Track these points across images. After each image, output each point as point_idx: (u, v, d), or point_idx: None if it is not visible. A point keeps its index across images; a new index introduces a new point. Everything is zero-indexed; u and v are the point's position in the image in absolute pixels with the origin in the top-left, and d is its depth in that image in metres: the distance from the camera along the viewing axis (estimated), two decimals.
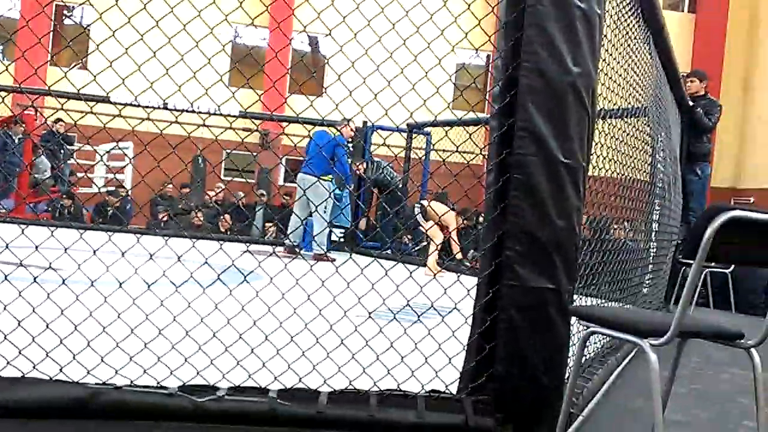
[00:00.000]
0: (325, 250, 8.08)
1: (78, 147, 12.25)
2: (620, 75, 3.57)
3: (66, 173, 11.62)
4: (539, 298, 2.25)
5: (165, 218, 10.76)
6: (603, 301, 4.07)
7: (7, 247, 2.08)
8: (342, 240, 9.83)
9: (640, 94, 4.38)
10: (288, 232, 8.18)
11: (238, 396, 2.16)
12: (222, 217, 10.74)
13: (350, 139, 8.78)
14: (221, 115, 9.23)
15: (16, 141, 9.98)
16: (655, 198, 5.93)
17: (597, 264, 3.96)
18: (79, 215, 11.02)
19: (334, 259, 7.50)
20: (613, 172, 3.86)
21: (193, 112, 9.20)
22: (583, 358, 3.12)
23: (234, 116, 9.22)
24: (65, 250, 2.17)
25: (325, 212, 7.89)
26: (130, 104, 8.19)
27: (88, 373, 2.12)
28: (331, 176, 8.00)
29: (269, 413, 2.15)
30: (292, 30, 16.02)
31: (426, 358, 2.38)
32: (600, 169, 3.32)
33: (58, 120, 11.21)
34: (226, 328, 2.26)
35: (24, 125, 10.17)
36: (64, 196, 10.98)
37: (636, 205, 5.05)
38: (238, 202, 11.47)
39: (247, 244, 7.57)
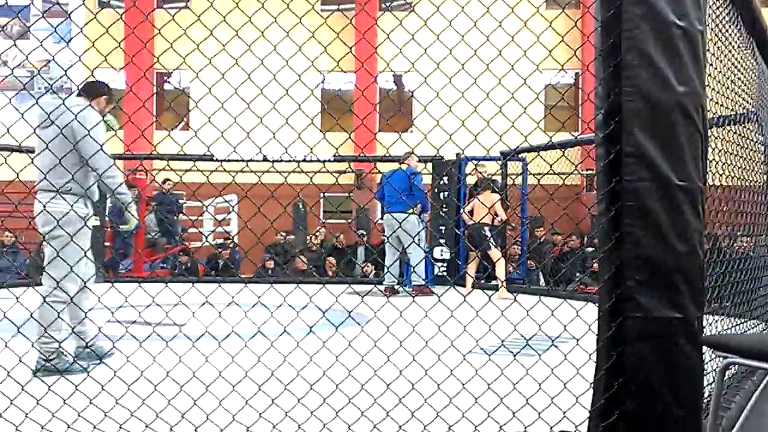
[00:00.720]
0: (425, 283, 8.12)
1: (184, 202, 12.87)
2: (724, 84, 3.42)
3: (178, 230, 12.18)
4: (666, 329, 2.15)
5: (272, 265, 11.05)
6: (734, 320, 3.86)
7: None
8: (444, 272, 9.77)
9: (746, 100, 4.17)
10: (385, 272, 8.25)
11: None
12: (327, 260, 10.92)
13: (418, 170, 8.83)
14: (317, 161, 9.49)
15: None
16: None
17: (724, 280, 3.78)
18: (194, 269, 11.49)
19: (433, 293, 7.52)
20: (727, 180, 3.68)
21: (289, 161, 9.45)
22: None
23: (328, 161, 9.45)
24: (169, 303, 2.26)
25: (418, 245, 8.01)
26: (228, 160, 8.54)
27: (170, 429, 2.17)
28: (413, 209, 8.07)
29: None
30: (377, 70, 16.31)
31: (552, 399, 2.31)
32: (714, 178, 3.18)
33: (166, 180, 11.80)
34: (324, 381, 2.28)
35: (137, 188, 10.77)
36: (181, 252, 11.50)
37: (758, 211, 4.79)
38: (335, 242, 11.66)
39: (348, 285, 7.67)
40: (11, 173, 2.36)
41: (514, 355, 2.49)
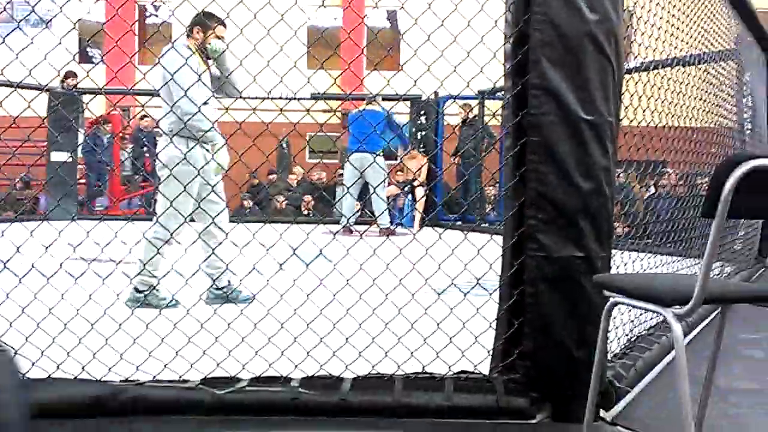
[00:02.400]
0: (391, 225, 8.13)
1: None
2: (682, 21, 3.29)
3: (156, 168, 12.07)
4: (567, 268, 2.09)
5: (249, 205, 10.98)
6: (692, 260, 3.82)
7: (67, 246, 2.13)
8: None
9: (712, 40, 4.04)
10: (346, 212, 8.17)
11: (259, 386, 2.13)
12: (303, 199, 10.85)
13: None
14: (295, 99, 9.31)
15: (105, 141, 10.42)
16: (744, 145, 5.51)
17: (685, 221, 3.72)
18: None
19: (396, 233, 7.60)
20: (688, 121, 3.59)
21: (264, 99, 9.27)
22: (643, 327, 2.94)
23: (306, 98, 9.27)
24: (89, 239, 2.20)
25: (384, 189, 7.99)
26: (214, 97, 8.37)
27: (109, 370, 2.13)
28: (382, 151, 7.99)
29: (291, 402, 2.10)
30: (365, 6, 15.89)
31: (450, 338, 2.27)
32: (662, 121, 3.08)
33: (144, 117, 11.62)
34: (242, 319, 2.23)
35: (111, 125, 10.60)
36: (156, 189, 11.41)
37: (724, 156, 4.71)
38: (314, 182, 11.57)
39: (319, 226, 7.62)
40: None
41: (439, 294, 2.42)
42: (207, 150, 3.65)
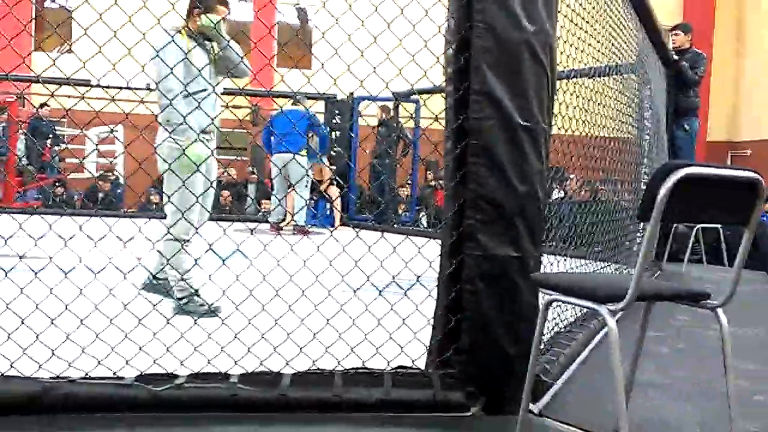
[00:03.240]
0: (306, 224, 8.14)
1: (65, 133, 12.17)
2: (590, 34, 3.46)
3: (56, 160, 11.52)
4: (503, 267, 2.19)
5: (157, 200, 10.68)
6: (597, 263, 4.02)
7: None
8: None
9: (617, 53, 4.27)
10: (271, 210, 8.16)
11: (197, 383, 2.11)
12: (222, 194, 10.67)
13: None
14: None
15: (0, 129, 9.88)
16: (643, 156, 5.85)
17: (590, 225, 3.91)
18: (71, 202, 10.96)
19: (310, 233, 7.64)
20: (589, 132, 3.77)
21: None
22: (562, 324, 3.09)
23: (222, 93, 9.11)
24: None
25: (306, 187, 7.99)
26: (114, 87, 8.07)
27: (39, 367, 2.05)
28: (306, 151, 7.99)
29: (230, 399, 2.09)
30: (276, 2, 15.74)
31: (390, 334, 2.32)
32: (569, 129, 3.23)
33: (43, 105, 11.07)
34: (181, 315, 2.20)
35: (7, 113, 10.05)
36: (56, 183, 10.91)
37: (624, 165, 4.98)
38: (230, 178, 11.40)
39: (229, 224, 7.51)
40: None
41: (354, 291, 2.44)
42: (205, 144, 3.34)
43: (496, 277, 2.19)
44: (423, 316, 2.33)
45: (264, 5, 13.28)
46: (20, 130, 10.46)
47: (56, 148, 11.32)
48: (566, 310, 3.14)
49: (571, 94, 3.25)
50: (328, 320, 2.28)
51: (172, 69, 3.01)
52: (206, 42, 3.51)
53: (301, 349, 2.26)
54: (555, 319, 2.98)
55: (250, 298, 2.26)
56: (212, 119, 3.28)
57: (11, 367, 2.03)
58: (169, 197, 3.24)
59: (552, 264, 3.22)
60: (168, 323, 2.19)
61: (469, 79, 2.19)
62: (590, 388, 2.59)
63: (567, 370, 2.71)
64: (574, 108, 3.30)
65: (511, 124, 2.17)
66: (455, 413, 2.18)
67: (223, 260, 2.37)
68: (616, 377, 1.68)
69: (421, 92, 8.59)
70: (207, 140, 3.38)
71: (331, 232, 2.66)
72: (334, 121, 9.85)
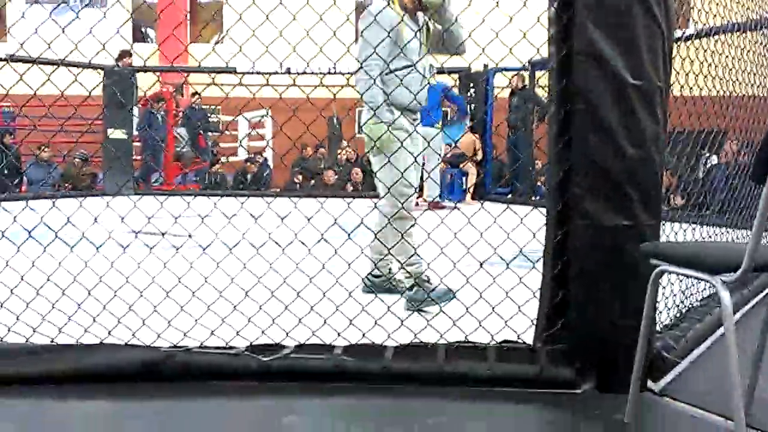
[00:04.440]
0: (441, 198, 8.13)
1: (219, 119, 12.91)
2: None
3: (209, 144, 12.25)
4: (614, 237, 2.05)
5: (300, 180, 11.08)
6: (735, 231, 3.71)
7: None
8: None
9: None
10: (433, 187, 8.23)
11: (303, 354, 2.16)
12: (353, 172, 10.89)
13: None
14: (341, 74, 9.27)
15: (160, 118, 10.63)
16: None
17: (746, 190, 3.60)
18: (224, 183, 11.63)
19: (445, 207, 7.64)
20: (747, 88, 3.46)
21: (311, 74, 9.27)
22: (695, 298, 2.86)
23: (353, 73, 9.27)
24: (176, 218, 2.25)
25: (438, 162, 7.98)
26: (249, 72, 8.44)
27: (158, 336, 2.19)
28: (441, 123, 7.98)
29: (334, 369, 2.13)
30: None
31: (493, 308, 2.25)
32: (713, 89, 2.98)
33: (195, 93, 11.80)
34: (285, 287, 2.26)
35: (165, 102, 10.78)
36: (211, 165, 11.62)
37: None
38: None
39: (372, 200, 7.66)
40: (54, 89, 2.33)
41: (481, 264, 2.40)
42: (410, 121, 3.18)
43: (606, 247, 2.06)
44: (528, 288, 2.25)
45: None
46: (178, 118, 11.20)
47: (209, 133, 12.03)
48: (699, 282, 2.91)
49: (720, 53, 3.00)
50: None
51: (375, 49, 2.82)
52: (419, 14, 3.23)
53: (402, 321, 2.25)
54: (685, 292, 2.77)
55: (349, 271, 2.27)
56: (414, 96, 3.00)
57: (133, 336, 2.18)
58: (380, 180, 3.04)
59: (695, 233, 3.00)
60: (272, 295, 2.26)
61: (572, 38, 2.05)
62: (721, 369, 2.38)
63: (698, 348, 2.51)
64: (727, 67, 3.03)
65: (620, 84, 2.02)
66: (564, 390, 2.09)
67: (349, 234, 2.40)
68: (729, 353, 1.54)
69: None
70: (413, 119, 3.22)
71: (455, 206, 2.61)
72: (468, 94, 9.69)
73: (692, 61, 2.95)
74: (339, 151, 12.08)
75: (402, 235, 2.82)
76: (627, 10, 2.01)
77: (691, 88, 2.90)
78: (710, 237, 3.14)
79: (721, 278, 1.56)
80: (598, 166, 2.04)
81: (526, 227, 2.26)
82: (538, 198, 9.33)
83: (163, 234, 2.58)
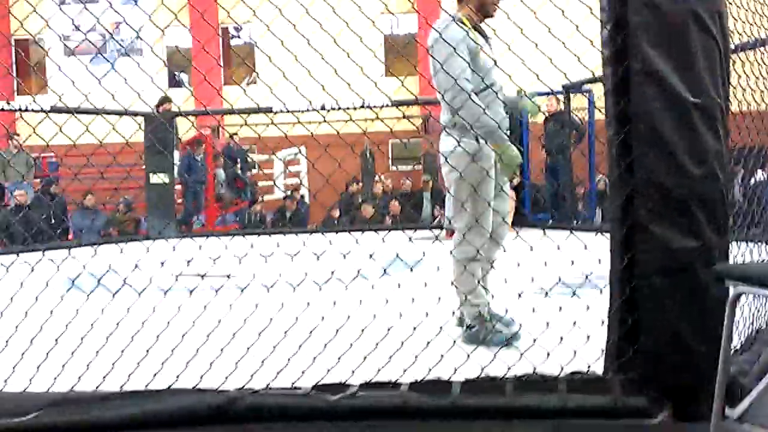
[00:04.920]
0: None
1: (255, 159, 13.08)
2: None
3: (248, 183, 12.41)
4: (682, 259, 2.00)
5: (338, 215, 11.12)
6: None
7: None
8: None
9: None
10: (447, 216, 8.17)
11: (369, 391, 2.13)
12: (391, 203, 10.91)
13: None
14: (373, 107, 9.36)
15: (199, 161, 10.81)
16: None
17: None
18: (264, 222, 11.74)
19: None
20: None
21: (340, 109, 9.35)
22: (765, 319, 2.77)
23: (385, 106, 9.33)
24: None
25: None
26: (282, 111, 8.54)
27: (225, 380, 2.19)
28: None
29: (402, 406, 2.10)
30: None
31: (561, 338, 2.21)
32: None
33: (233, 134, 12.00)
34: (348, 325, 2.24)
35: (204, 145, 10.97)
36: (250, 205, 11.74)
37: None
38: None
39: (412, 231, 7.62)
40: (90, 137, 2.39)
41: (547, 293, 2.37)
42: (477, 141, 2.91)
43: (675, 270, 2.01)
44: (596, 316, 2.20)
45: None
46: (217, 161, 11.36)
47: (248, 173, 12.18)
48: (767, 304, 2.82)
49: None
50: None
51: (468, 62, 2.68)
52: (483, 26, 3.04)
53: (469, 355, 2.21)
54: (754, 313, 2.69)
55: (413, 306, 2.25)
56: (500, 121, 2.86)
57: (200, 379, 2.18)
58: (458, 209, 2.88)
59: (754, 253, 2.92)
60: (337, 333, 2.24)
61: (628, 58, 2.03)
62: None
63: None
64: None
65: (679, 102, 1.99)
66: (639, 419, 2.02)
67: (385, 270, 2.39)
68: None
69: (592, 81, 8.26)
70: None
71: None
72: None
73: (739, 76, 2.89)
74: (374, 183, 12.12)
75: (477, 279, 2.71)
76: (683, 28, 1.99)
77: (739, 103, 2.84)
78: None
79: None
80: (662, 187, 2.00)
81: (589, 255, 2.22)
82: (577, 222, 9.22)
83: (202, 276, 2.59)
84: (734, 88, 2.35)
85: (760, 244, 3.10)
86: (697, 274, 2.00)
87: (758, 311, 2.71)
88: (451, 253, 2.81)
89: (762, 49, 3.00)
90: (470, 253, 2.74)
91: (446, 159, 2.88)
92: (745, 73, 2.81)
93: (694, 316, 2.01)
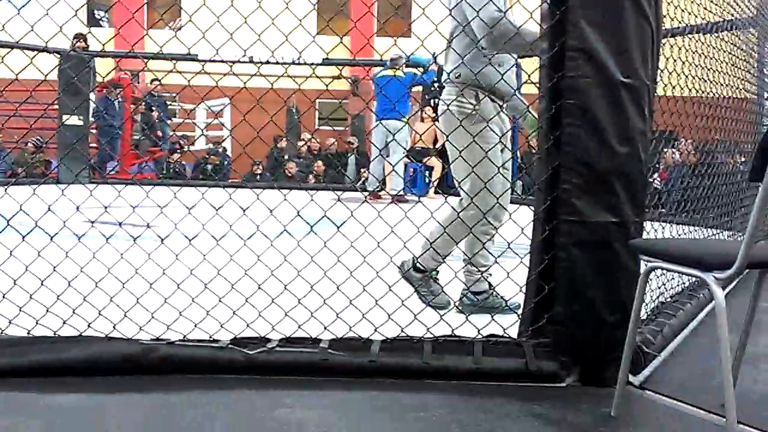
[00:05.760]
0: (403, 192, 8.14)
1: (177, 107, 12.67)
2: None
3: (167, 133, 12.02)
4: (600, 233, 2.08)
5: (259, 171, 10.97)
6: (710, 230, 3.79)
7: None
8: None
9: (733, 5, 3.95)
10: (371, 178, 8.23)
11: (289, 347, 2.13)
12: (315, 164, 10.84)
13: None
14: (306, 64, 9.20)
15: (116, 105, 10.39)
16: (763, 115, 5.45)
17: (704, 190, 3.68)
18: (182, 173, 11.43)
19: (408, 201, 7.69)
20: (710, 92, 3.52)
21: (276, 64, 9.15)
22: (669, 293, 2.93)
23: (318, 64, 9.20)
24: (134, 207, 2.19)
25: (403, 155, 8.03)
26: (212, 60, 8.30)
27: (140, 329, 2.13)
28: (406, 118, 7.99)
29: (321, 363, 2.11)
30: None
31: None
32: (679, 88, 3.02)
33: (154, 80, 11.57)
34: (272, 280, 2.22)
35: (123, 89, 10.55)
36: (170, 154, 11.39)
37: (743, 126, 4.65)
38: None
39: (338, 193, 7.62)
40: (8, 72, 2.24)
41: (443, 258, 2.41)
42: (500, 106, 2.81)
43: (593, 244, 2.08)
44: (515, 284, 2.26)
45: None
46: (135, 106, 10.94)
47: (168, 122, 11.79)
48: (672, 279, 2.97)
49: (683, 50, 3.04)
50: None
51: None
52: None
53: (389, 315, 2.24)
54: (660, 288, 2.83)
55: (337, 265, 2.25)
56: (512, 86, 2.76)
57: (114, 328, 2.12)
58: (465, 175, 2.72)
59: (658, 231, 3.05)
60: (259, 288, 2.22)
61: (565, 35, 2.07)
62: (696, 362, 2.44)
63: (672, 342, 2.57)
64: (685, 65, 3.09)
65: (610, 81, 2.04)
66: (549, 383, 2.11)
67: (311, 227, 2.37)
68: (722, 349, 1.56)
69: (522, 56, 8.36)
70: (499, 107, 2.83)
71: (419, 200, 2.56)
72: (432, 86, 9.72)
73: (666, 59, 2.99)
74: (301, 142, 11.99)
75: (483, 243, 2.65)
76: (619, 8, 2.03)
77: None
78: (673, 236, 3.20)
79: (715, 275, 1.59)
80: (587, 163, 2.06)
81: (513, 222, 2.27)
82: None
83: (120, 224, 2.51)
84: (661, 71, 2.43)
85: (669, 224, 3.25)
86: (614, 248, 2.08)
87: (664, 286, 2.86)
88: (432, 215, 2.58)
89: (691, 35, 3.11)
90: (476, 217, 2.59)
91: (442, 114, 2.78)
92: (672, 57, 2.90)
93: (607, 287, 2.09)
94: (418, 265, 2.81)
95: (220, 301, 2.21)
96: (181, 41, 2.53)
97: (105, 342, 2.08)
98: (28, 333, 2.09)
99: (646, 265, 1.79)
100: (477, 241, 2.68)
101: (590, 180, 2.06)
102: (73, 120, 9.01)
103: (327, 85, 2.43)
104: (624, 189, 2.08)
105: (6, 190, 2.21)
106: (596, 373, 2.13)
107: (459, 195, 2.77)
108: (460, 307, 2.74)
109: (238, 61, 8.21)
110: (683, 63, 3.04)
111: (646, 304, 2.60)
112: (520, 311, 2.25)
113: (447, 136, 2.80)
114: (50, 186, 2.35)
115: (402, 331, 2.21)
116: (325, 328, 2.19)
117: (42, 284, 2.10)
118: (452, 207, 2.75)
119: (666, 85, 2.86)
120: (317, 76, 2.86)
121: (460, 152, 2.65)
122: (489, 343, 2.17)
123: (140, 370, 2.05)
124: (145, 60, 11.10)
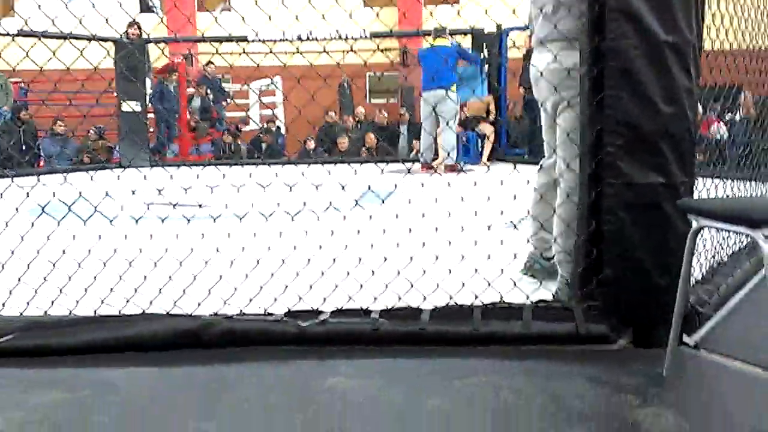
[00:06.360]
0: (457, 161, 8.08)
1: (230, 89, 12.86)
2: None
3: (222, 114, 12.22)
4: (648, 195, 2.05)
5: (312, 147, 11.06)
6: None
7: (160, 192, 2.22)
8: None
9: None
10: (422, 150, 8.21)
11: (340, 318, 2.19)
12: (367, 136, 10.88)
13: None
14: (347, 39, 9.18)
15: (172, 89, 10.60)
16: None
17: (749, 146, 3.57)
18: (239, 152, 11.62)
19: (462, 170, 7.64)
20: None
21: (321, 40, 9.16)
22: (726, 252, 2.87)
23: (366, 38, 9.18)
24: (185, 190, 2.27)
25: (455, 124, 7.94)
26: (262, 40, 8.36)
27: (198, 306, 2.22)
28: (455, 85, 7.89)
29: (371, 333, 2.16)
30: None
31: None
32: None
33: (209, 63, 11.75)
34: (322, 253, 2.28)
35: (177, 73, 10.74)
36: (226, 134, 11.59)
37: None
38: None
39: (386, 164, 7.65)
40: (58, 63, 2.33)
41: (515, 226, 2.42)
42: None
43: (641, 205, 2.06)
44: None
45: None
46: (194, 90, 11.15)
47: (223, 103, 11.97)
48: (729, 237, 2.91)
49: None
50: (463, 256, 2.27)
51: None
52: None
53: (438, 284, 2.27)
54: (716, 247, 2.78)
55: (386, 237, 2.29)
56: None
57: (174, 305, 2.21)
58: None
59: (719, 188, 2.99)
60: (308, 262, 2.28)
61: None
62: (754, 320, 2.40)
63: (729, 301, 2.53)
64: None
65: (653, 40, 2.00)
66: (600, 346, 2.11)
67: (383, 200, 2.41)
68: None
69: None
70: None
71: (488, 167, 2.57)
72: (482, 55, 9.59)
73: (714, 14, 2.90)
74: (348, 117, 12.03)
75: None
76: None
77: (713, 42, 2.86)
78: (732, 193, 3.12)
79: (763, 232, 1.56)
80: (631, 125, 2.03)
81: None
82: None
83: (174, 205, 2.60)
84: (708, 27, 2.36)
85: (726, 180, 3.17)
86: (662, 209, 2.05)
87: (719, 245, 2.80)
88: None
89: None
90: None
91: (541, 74, 2.52)
92: (719, 11, 2.81)
93: (657, 249, 2.07)
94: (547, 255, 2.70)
95: (272, 276, 2.28)
96: (243, 20, 2.55)
97: (166, 318, 2.17)
98: (94, 313, 2.20)
99: (695, 224, 1.77)
100: (551, 206, 2.55)
101: (635, 141, 2.03)
102: (131, 106, 9.25)
103: (390, 58, 2.45)
104: (671, 149, 2.04)
105: (65, 176, 2.32)
106: (648, 335, 2.12)
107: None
108: (530, 273, 2.72)
109: (299, 39, 8.25)
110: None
111: (701, 265, 2.56)
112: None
113: (565, 99, 2.45)
114: (110, 171, 2.45)
115: (451, 299, 2.24)
116: (375, 299, 2.24)
117: (104, 266, 2.21)
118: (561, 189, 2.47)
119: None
120: (375, 49, 2.84)
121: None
122: (538, 308, 2.18)
123: (200, 345, 2.14)
124: (199, 43, 11.31)
